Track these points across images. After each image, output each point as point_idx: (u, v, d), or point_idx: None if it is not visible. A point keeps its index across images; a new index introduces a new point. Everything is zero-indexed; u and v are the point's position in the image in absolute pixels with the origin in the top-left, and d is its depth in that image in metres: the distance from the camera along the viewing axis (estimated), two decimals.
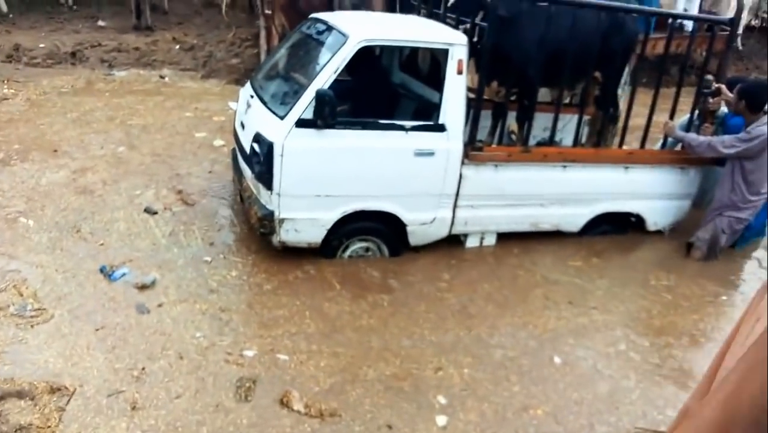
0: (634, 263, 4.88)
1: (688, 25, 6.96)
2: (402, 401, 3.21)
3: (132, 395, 3.03)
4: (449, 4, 4.74)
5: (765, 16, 12.46)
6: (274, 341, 3.51)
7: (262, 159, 3.93)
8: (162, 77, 8.84)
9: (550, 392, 3.39)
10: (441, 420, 3.11)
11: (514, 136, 5.12)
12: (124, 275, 3.98)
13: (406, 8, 5.62)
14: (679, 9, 9.07)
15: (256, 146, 4.00)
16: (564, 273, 4.56)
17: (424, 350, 3.63)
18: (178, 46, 9.90)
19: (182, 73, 9.17)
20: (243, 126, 4.45)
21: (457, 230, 4.52)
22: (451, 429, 3.07)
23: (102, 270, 4.01)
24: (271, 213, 4.02)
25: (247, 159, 4.21)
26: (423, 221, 4.35)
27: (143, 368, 3.21)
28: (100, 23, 10.43)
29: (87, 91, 7.82)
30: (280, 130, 3.86)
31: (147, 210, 4.86)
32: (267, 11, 8.75)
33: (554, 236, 4.83)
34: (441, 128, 4.13)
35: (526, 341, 3.81)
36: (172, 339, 3.45)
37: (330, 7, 7.33)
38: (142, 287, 3.87)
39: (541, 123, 5.08)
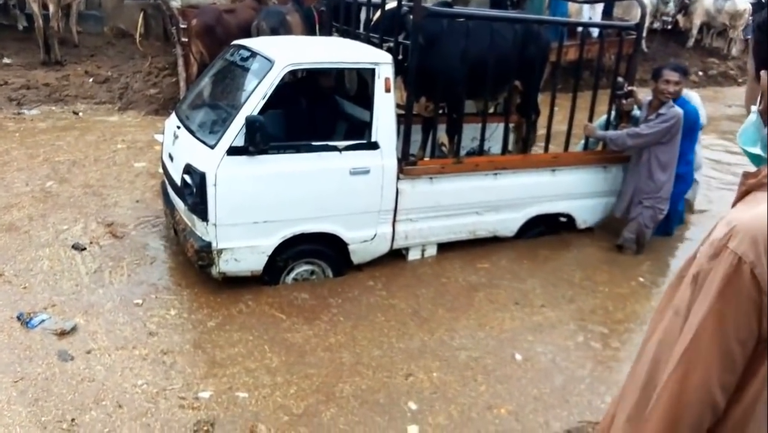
0: (552, 263, 4.98)
1: (594, 32, 7.37)
2: (376, 415, 3.20)
3: None
4: (371, 25, 4.82)
5: (667, 19, 13.33)
6: (231, 379, 3.39)
7: (194, 190, 3.83)
8: (76, 113, 8.48)
9: (513, 390, 3.48)
10: (413, 430, 3.12)
11: (444, 149, 5.24)
12: (42, 321, 3.74)
13: (327, 30, 5.67)
14: (585, 17, 9.58)
15: (187, 177, 3.90)
16: (475, 275, 4.64)
17: (394, 357, 3.67)
18: (91, 80, 9.50)
19: (98, 107, 8.81)
20: (171, 158, 4.32)
21: (399, 244, 4.55)
22: None
23: (19, 317, 3.76)
24: (209, 244, 3.92)
25: (179, 191, 4.09)
26: (364, 239, 4.36)
27: (73, 420, 3.01)
28: (6, 60, 9.88)
29: None
30: (211, 160, 3.78)
31: (75, 246, 4.63)
32: (183, 39, 8.57)
33: (459, 244, 4.89)
34: (374, 146, 4.17)
35: (486, 341, 3.89)
36: (106, 388, 3.24)
37: (248, 33, 7.26)
38: (62, 333, 3.64)
39: (469, 134, 5.22)
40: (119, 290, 4.19)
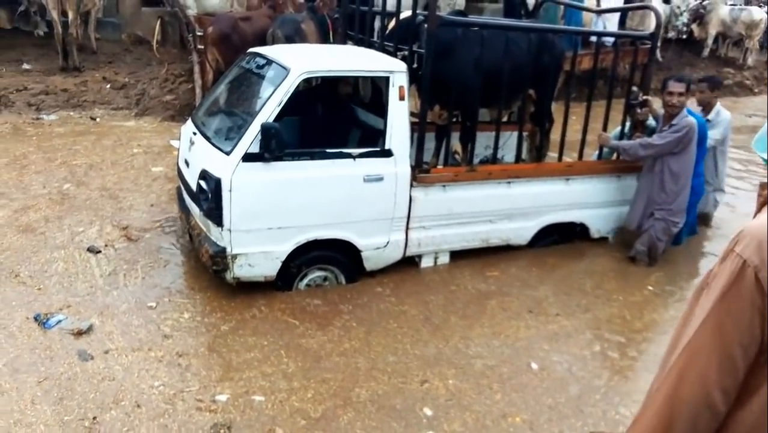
0: (561, 271, 4.95)
1: (609, 41, 7.36)
2: (392, 420, 3.21)
3: None
4: (386, 33, 4.85)
5: (683, 29, 13.29)
6: (248, 383, 3.41)
7: (210, 196, 3.87)
8: (93, 118, 8.58)
9: (528, 399, 3.47)
10: None
11: (458, 156, 5.25)
12: (59, 321, 3.80)
13: (341, 39, 5.72)
14: (599, 27, 9.57)
15: (203, 183, 3.94)
16: (485, 283, 4.63)
17: (409, 364, 3.67)
18: (108, 86, 9.63)
19: (114, 113, 8.92)
20: (187, 164, 4.37)
21: (411, 251, 4.56)
22: None
23: (36, 318, 3.81)
24: (223, 250, 3.95)
25: (194, 197, 4.13)
26: (377, 246, 4.38)
27: (94, 418, 3.06)
28: (25, 66, 10.05)
29: (15, 136, 7.50)
30: (226, 166, 3.82)
31: (90, 249, 4.69)
32: (199, 46, 8.67)
33: (467, 252, 4.88)
34: (388, 153, 4.19)
35: (501, 349, 3.89)
36: (125, 388, 3.29)
37: (263, 41, 7.34)
38: (79, 333, 3.69)
39: (482, 142, 5.23)
40: (133, 292, 4.24)
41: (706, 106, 5.73)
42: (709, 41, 14.38)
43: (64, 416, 3.08)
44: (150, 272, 4.50)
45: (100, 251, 4.69)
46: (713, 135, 5.55)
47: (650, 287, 4.80)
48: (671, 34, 13.18)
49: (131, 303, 4.10)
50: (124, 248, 4.80)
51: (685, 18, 13.23)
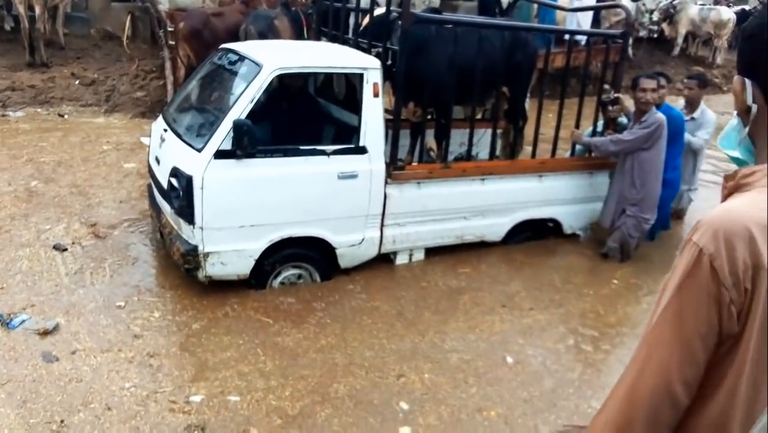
0: (532, 268, 4.98)
1: (582, 39, 7.44)
2: (369, 415, 3.21)
3: None
4: (360, 30, 4.83)
5: (653, 27, 13.49)
6: (223, 383, 3.36)
7: (181, 193, 3.81)
8: (61, 115, 8.40)
9: (503, 393, 3.49)
10: (404, 432, 3.13)
11: (432, 154, 5.25)
12: (23, 321, 3.70)
13: (315, 35, 5.68)
14: (572, 25, 9.66)
15: (174, 181, 3.88)
16: (457, 279, 4.65)
17: (386, 358, 3.68)
18: (77, 82, 9.43)
19: (83, 109, 8.74)
20: (158, 161, 4.30)
21: (386, 248, 4.55)
22: None
23: None
24: (195, 248, 3.89)
25: (165, 194, 4.06)
26: (352, 243, 4.36)
27: (62, 421, 2.98)
28: None
29: None
30: (198, 163, 3.76)
31: (56, 247, 4.58)
32: (171, 42, 8.54)
33: (439, 250, 4.90)
34: (362, 150, 4.17)
35: (477, 343, 3.91)
36: (94, 390, 3.22)
37: (236, 37, 7.25)
38: (44, 333, 3.60)
39: (456, 139, 5.23)
40: (101, 290, 4.15)
41: (693, 104, 5.77)
42: (679, 40, 14.63)
43: (30, 419, 3.00)
44: (118, 270, 4.42)
45: (66, 249, 4.59)
46: (702, 135, 5.58)
47: (615, 281, 4.85)
48: (642, 33, 13.37)
49: (99, 302, 4.01)
50: (91, 245, 4.71)
51: (654, 16, 13.43)
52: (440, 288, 4.53)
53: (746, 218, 1.13)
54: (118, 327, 3.78)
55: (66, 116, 8.38)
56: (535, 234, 5.25)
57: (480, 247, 5.02)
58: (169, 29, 8.59)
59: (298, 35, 7.49)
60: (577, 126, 5.39)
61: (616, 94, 5.21)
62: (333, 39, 5.19)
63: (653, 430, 1.20)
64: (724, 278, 1.13)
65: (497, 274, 4.80)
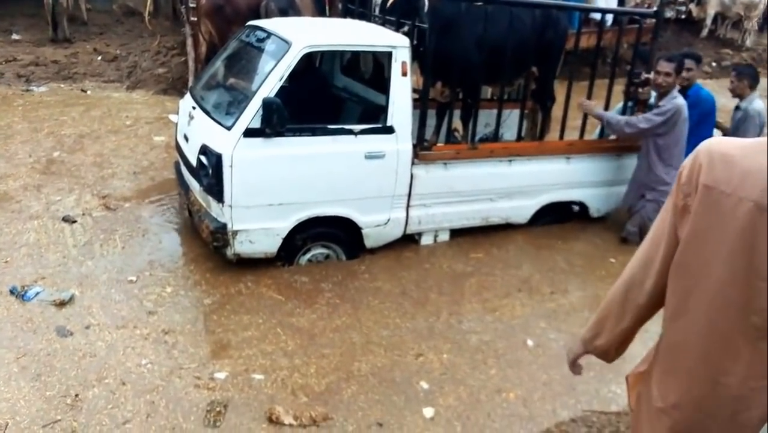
0: (548, 251, 4.91)
1: (609, 19, 7.28)
2: (393, 394, 3.23)
3: (70, 423, 2.85)
4: (387, 8, 4.76)
5: (680, 8, 13.17)
6: (247, 361, 3.39)
7: (210, 171, 3.82)
8: (84, 90, 8.45)
9: (523, 375, 3.49)
10: (428, 412, 3.15)
11: (457, 134, 5.20)
12: (37, 293, 3.73)
13: (337, 12, 5.60)
14: (600, 3, 9.46)
15: (203, 159, 3.88)
16: (466, 264, 4.59)
17: (403, 337, 3.70)
18: (100, 58, 9.47)
19: (106, 85, 8.77)
20: (186, 138, 4.30)
21: (412, 229, 4.54)
22: (437, 420, 3.10)
23: (12, 291, 3.74)
24: (224, 226, 3.91)
25: (194, 172, 4.08)
26: (378, 223, 4.35)
27: (77, 395, 3.01)
28: (15, 37, 9.85)
29: (3, 107, 7.36)
30: (227, 141, 3.76)
31: (65, 219, 4.61)
32: (192, 18, 8.49)
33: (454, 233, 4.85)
34: (389, 130, 4.14)
35: (496, 325, 3.90)
36: (109, 365, 3.23)
37: (257, 13, 7.18)
38: (61, 304, 3.64)
39: (481, 120, 5.17)
40: (112, 262, 4.16)
41: (739, 96, 5.51)
42: (708, 21, 14.27)
43: (46, 391, 3.03)
44: (129, 241, 4.43)
45: (75, 221, 4.61)
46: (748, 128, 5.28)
47: (612, 260, 4.78)
48: (669, 14, 13.05)
49: (111, 273, 4.03)
50: (101, 216, 4.72)
51: None
52: (445, 271, 4.46)
53: (721, 146, 1.41)
54: (131, 303, 3.78)
55: (88, 92, 8.42)
56: (560, 217, 5.20)
57: (494, 230, 4.93)
58: (191, 5, 8.52)
59: (321, 12, 7.41)
60: (606, 108, 5.29)
61: (646, 75, 5.10)
62: (360, 17, 5.14)
63: (624, 305, 1.72)
64: (680, 183, 1.45)
65: (508, 257, 4.74)
